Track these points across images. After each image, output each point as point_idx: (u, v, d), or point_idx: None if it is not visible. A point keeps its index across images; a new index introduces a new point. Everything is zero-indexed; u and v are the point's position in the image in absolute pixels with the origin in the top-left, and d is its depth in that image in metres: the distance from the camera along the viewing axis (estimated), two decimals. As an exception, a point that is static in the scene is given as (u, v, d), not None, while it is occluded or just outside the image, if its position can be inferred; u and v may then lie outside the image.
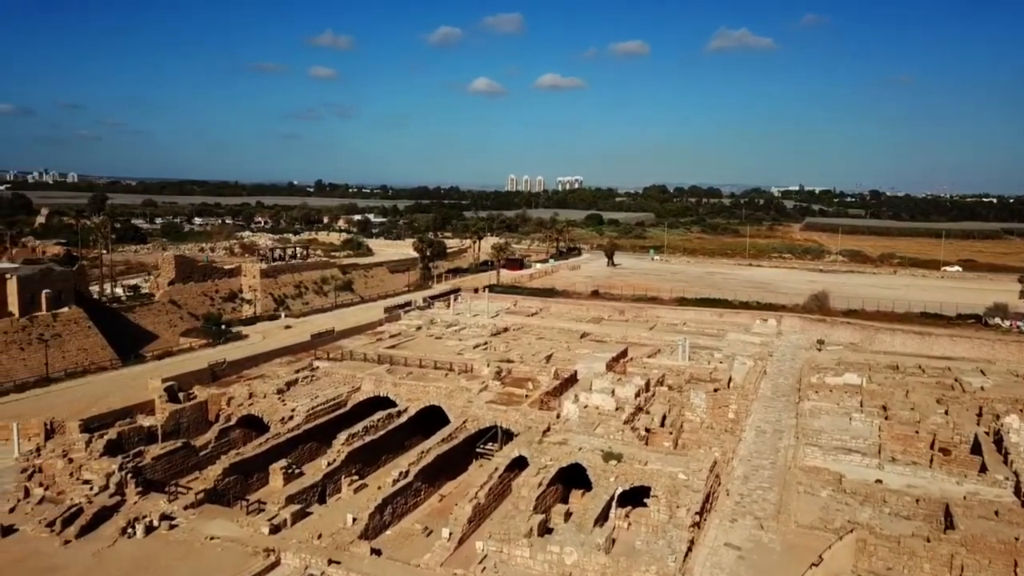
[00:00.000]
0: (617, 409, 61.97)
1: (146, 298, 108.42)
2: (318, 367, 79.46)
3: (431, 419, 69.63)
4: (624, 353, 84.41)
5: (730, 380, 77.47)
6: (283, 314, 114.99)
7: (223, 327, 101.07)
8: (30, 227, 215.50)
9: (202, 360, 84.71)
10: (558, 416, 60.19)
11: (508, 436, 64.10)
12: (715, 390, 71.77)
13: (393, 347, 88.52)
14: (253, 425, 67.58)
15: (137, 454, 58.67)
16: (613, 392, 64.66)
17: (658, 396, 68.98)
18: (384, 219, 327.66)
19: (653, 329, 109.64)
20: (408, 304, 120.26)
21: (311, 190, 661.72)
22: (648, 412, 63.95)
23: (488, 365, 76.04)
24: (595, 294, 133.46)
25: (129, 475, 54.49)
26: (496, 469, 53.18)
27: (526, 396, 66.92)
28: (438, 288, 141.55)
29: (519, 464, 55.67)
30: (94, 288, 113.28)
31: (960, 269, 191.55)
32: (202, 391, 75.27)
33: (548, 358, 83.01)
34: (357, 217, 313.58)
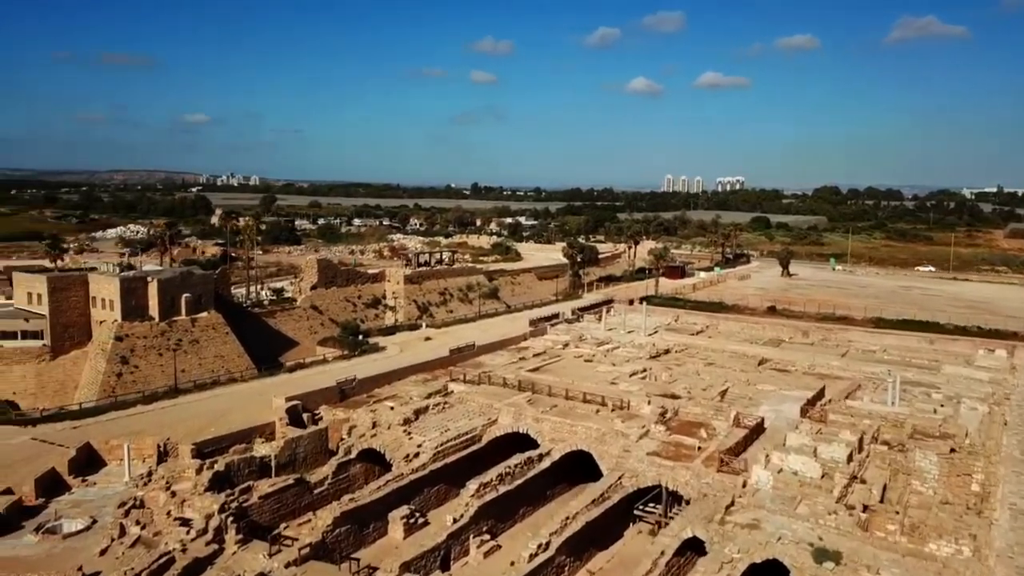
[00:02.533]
0: (823, 476, 47.14)
1: (288, 302, 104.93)
2: (452, 391, 70.02)
3: (577, 462, 58.04)
4: (821, 393, 68.27)
5: (966, 434, 59.63)
6: (424, 323, 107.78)
7: (360, 337, 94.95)
8: (207, 227, 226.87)
9: (333, 374, 78.14)
10: (744, 485, 46.31)
11: (675, 498, 51.06)
12: (951, 451, 54.72)
13: (536, 369, 77.58)
14: (375, 459, 59.01)
15: (244, 491, 51.55)
16: (815, 452, 49.74)
17: (873, 457, 53.03)
18: (535, 222, 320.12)
19: (846, 356, 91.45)
20: (555, 316, 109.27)
21: (467, 193, 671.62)
22: (864, 481, 48.45)
23: (649, 402, 63.10)
24: (771, 310, 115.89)
25: (231, 519, 47.11)
26: (662, 554, 40.47)
27: (698, 448, 53.44)
28: (589, 298, 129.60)
29: (693, 546, 42.62)
30: (240, 291, 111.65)
31: None
32: (327, 413, 68.15)
33: (723, 394, 68.67)
34: (508, 220, 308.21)
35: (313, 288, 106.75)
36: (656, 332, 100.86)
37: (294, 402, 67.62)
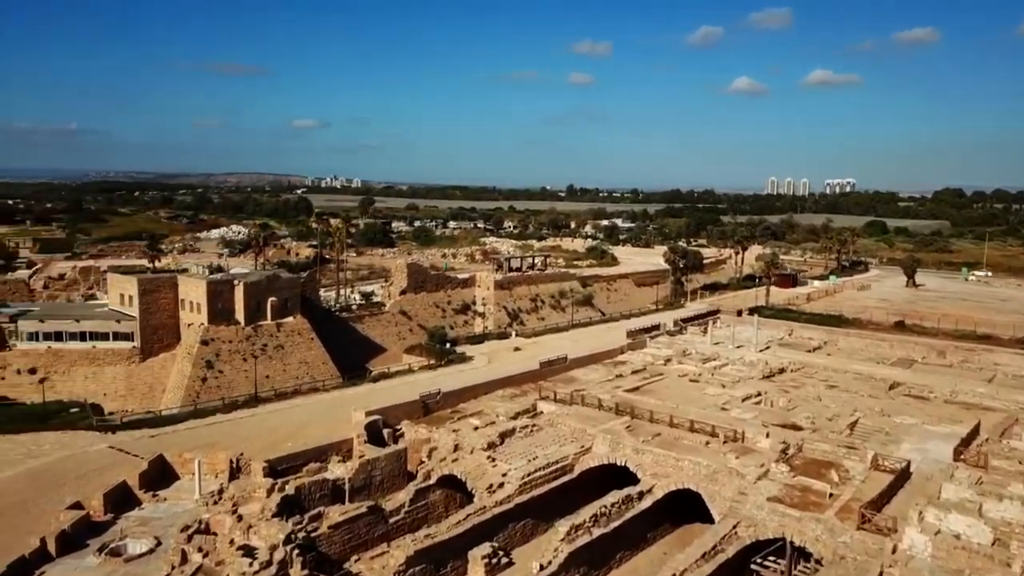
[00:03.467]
0: (995, 543, 38.17)
1: (377, 307, 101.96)
2: (541, 412, 64.01)
3: (681, 498, 50.91)
4: (976, 431, 58.06)
5: None
6: (514, 332, 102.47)
7: (447, 345, 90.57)
8: (304, 228, 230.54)
9: (418, 386, 73.65)
10: (894, 550, 37.98)
11: (802, 555, 43.19)
12: None
13: (635, 389, 70.46)
14: (456, 486, 53.77)
15: (314, 518, 47.32)
16: (981, 510, 40.70)
17: (1053, 517, 43.15)
18: (632, 224, 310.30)
19: (993, 382, 79.51)
20: (656, 328, 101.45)
21: (562, 195, 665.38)
22: (1047, 551, 38.98)
23: (767, 434, 55.03)
24: (899, 326, 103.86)
25: (296, 551, 42.87)
26: (793, 635, 32.93)
27: (829, 496, 45.26)
28: (692, 308, 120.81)
29: (829, 625, 34.88)
30: (331, 294, 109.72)
31: None
32: (409, 429, 63.55)
33: (852, 426, 59.58)
34: (604, 222, 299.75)
35: (402, 293, 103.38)
36: (768, 348, 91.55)
37: (374, 417, 63.37)
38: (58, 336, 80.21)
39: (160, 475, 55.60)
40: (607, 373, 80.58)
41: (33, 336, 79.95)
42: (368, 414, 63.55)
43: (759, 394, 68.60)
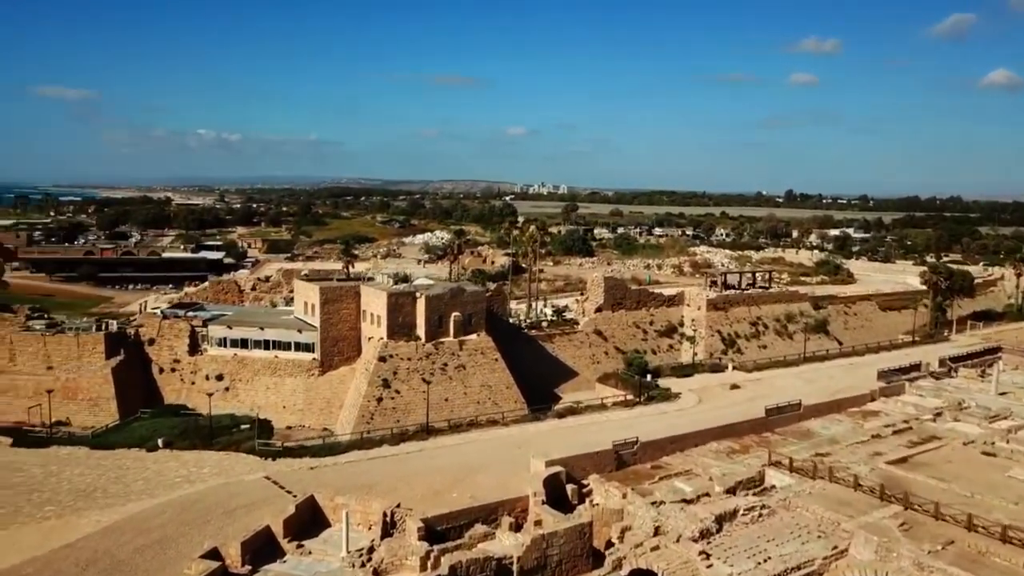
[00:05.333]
0: None
1: (569, 325, 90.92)
2: (772, 485, 48.81)
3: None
4: None
5: None
6: (730, 363, 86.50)
7: (648, 376, 77.20)
8: (504, 235, 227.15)
9: (611, 429, 61.48)
10: None
11: None
12: None
13: (903, 461, 52.40)
14: (654, 583, 40.63)
15: (469, 610, 36.83)
16: None
17: None
18: (866, 235, 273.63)
19: None
20: (915, 367, 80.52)
21: (780, 200, 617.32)
22: None
23: None
24: None
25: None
26: None
27: None
28: (961, 342, 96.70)
29: None
30: (521, 307, 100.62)
31: None
32: (598, 488, 51.63)
33: None
34: (833, 232, 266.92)
35: (598, 310, 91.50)
36: (1086, 407, 67.81)
37: (556, 469, 52.17)
38: (244, 343, 78.09)
39: (309, 519, 48.25)
40: (855, 428, 62.95)
41: (221, 342, 78.51)
42: (549, 464, 52.59)
43: (1100, 486, 47.85)
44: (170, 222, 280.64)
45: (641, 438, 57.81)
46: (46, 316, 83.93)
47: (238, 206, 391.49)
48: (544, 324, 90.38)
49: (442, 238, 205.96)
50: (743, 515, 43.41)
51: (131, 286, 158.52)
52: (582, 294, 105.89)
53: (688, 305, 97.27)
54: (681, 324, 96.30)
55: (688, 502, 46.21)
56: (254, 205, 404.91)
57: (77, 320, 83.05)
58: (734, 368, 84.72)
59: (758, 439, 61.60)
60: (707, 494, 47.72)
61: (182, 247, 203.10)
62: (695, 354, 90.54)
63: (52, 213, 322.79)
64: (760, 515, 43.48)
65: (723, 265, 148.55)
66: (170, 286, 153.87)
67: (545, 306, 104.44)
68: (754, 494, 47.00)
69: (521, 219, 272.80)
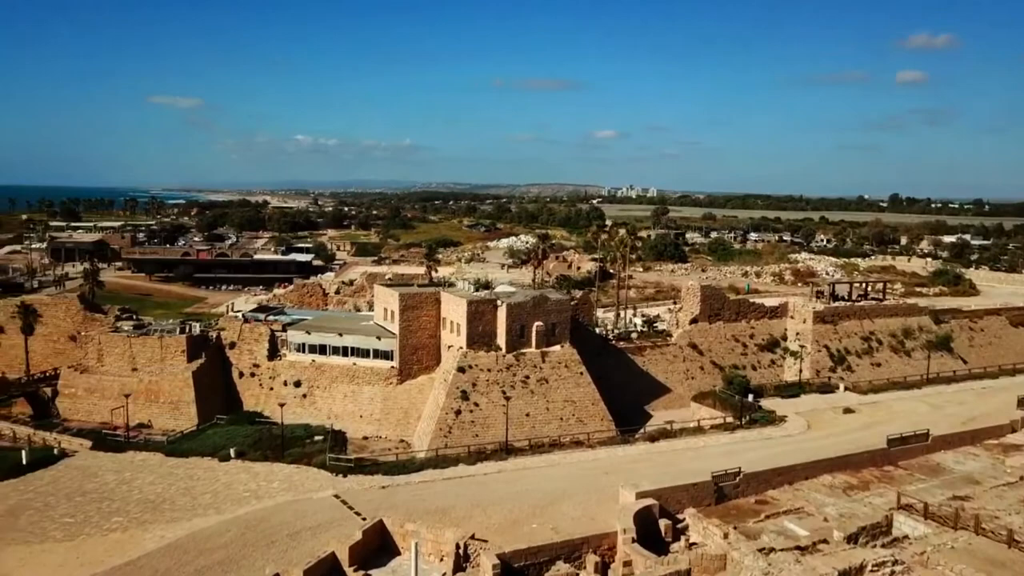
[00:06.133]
0: None
1: (661, 336, 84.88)
2: (903, 534, 41.84)
3: None
4: None
5: None
6: (841, 384, 78.46)
7: (749, 396, 70.44)
8: (591, 239, 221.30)
9: (709, 456, 55.68)
10: None
11: None
12: None
13: (1066, 511, 44.24)
14: (765, 649, 34.77)
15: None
16: None
17: None
18: (986, 241, 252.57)
19: None
20: (1063, 394, 70.41)
21: (884, 205, 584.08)
22: None
23: None
24: None
25: None
26: None
27: None
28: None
29: None
30: (609, 316, 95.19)
31: None
32: (695, 525, 46.05)
33: None
34: (948, 239, 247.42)
35: (693, 321, 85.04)
36: None
37: (648, 501, 46.87)
38: (322, 349, 76.13)
39: (378, 546, 44.71)
40: (995, 465, 54.75)
41: (300, 347, 76.83)
42: (641, 495, 47.35)
43: None
44: (265, 224, 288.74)
45: (744, 468, 51.68)
46: (134, 317, 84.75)
47: (330, 209, 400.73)
48: (634, 335, 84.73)
49: (526, 242, 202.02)
50: (872, 572, 36.88)
51: (224, 287, 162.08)
52: (675, 303, 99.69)
53: (792, 317, 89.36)
54: (784, 338, 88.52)
55: (802, 549, 39.89)
56: (345, 208, 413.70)
57: (163, 322, 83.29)
58: (846, 389, 76.67)
59: (879, 474, 54.33)
60: (824, 540, 41.25)
61: (273, 249, 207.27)
62: (800, 371, 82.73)
63: (157, 215, 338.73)
64: (893, 573, 36.83)
65: (828, 274, 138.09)
66: (260, 288, 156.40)
67: (635, 315, 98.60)
68: (882, 545, 40.24)
69: (609, 222, 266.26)
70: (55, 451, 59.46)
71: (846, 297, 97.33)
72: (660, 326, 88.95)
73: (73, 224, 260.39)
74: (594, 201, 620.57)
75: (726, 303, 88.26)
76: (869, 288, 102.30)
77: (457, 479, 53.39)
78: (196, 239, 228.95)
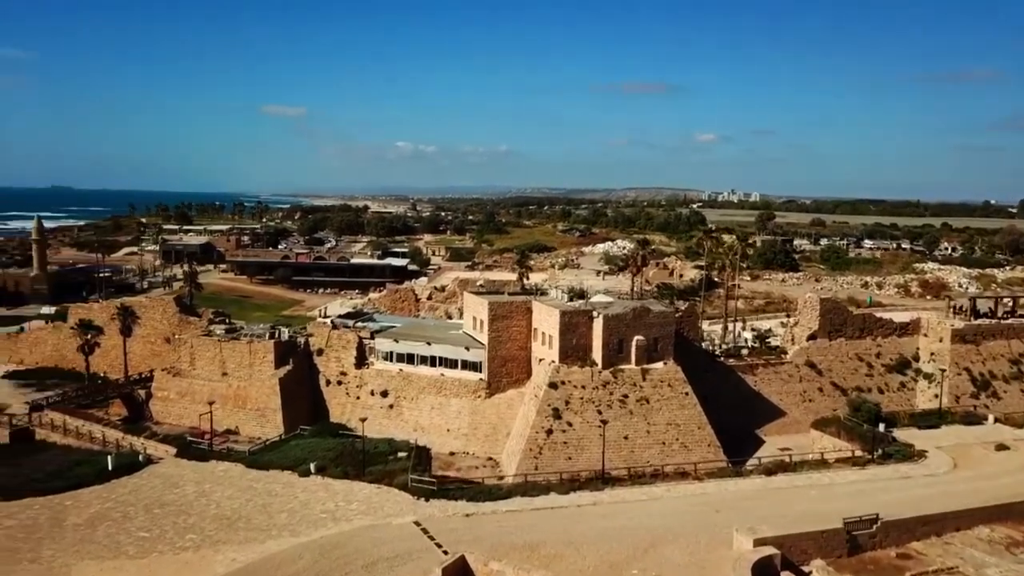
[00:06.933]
0: None
1: (774, 354, 77.13)
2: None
3: None
4: None
5: None
6: (990, 414, 68.55)
7: (880, 426, 62.04)
8: (693, 245, 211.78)
9: (837, 496, 48.55)
10: None
11: None
12: None
13: None
14: None
15: None
16: None
17: None
18: None
19: None
20: None
21: (1013, 211, 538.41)
22: None
23: None
24: None
25: None
26: None
27: None
28: None
29: None
30: (715, 329, 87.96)
31: None
32: (823, 582, 39.18)
33: None
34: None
35: (811, 337, 76.93)
36: None
37: (768, 550, 40.50)
38: (409, 359, 73.00)
39: (459, 585, 40.41)
40: None
41: (387, 356, 74.00)
42: (758, 542, 40.97)
43: None
44: (364, 228, 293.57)
45: (882, 514, 44.31)
46: (227, 321, 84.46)
47: (427, 214, 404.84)
48: (744, 351, 77.41)
49: (623, 247, 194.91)
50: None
51: (321, 290, 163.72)
52: (788, 315, 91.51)
53: (926, 335, 79.56)
54: (916, 358, 78.90)
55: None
56: (442, 213, 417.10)
57: (253, 327, 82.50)
58: (996, 420, 66.85)
59: (1049, 527, 45.60)
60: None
61: (369, 253, 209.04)
62: (938, 396, 73.11)
63: (262, 219, 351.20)
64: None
65: (962, 286, 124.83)
66: (356, 291, 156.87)
67: (743, 329, 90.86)
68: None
69: (711, 227, 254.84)
70: (140, 457, 58.61)
71: (989, 313, 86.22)
72: (773, 341, 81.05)
73: (184, 227, 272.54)
74: (694, 206, 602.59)
75: (848, 318, 79.50)
76: (1017, 305, 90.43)
77: (548, 510, 48.47)
78: (296, 242, 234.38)
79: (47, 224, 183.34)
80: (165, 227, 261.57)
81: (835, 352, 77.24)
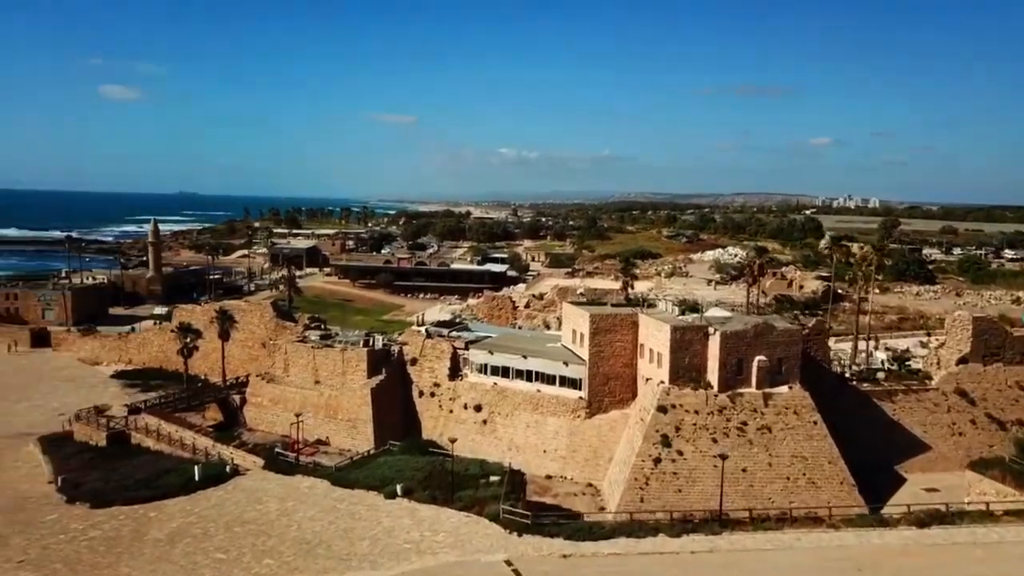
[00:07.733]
0: None
1: (915, 378, 67.69)
2: None
3: None
4: None
5: None
6: None
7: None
8: (812, 254, 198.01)
9: (1009, 563, 40.08)
10: None
11: None
12: None
13: None
14: None
15: None
16: None
17: None
18: None
19: None
20: None
21: None
22: None
23: None
24: None
25: None
26: None
27: None
28: None
29: None
30: (842, 347, 78.84)
31: None
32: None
33: None
34: None
35: (962, 361, 66.93)
36: None
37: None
38: (504, 372, 68.46)
39: (553, 642, 35.27)
40: None
41: (482, 368, 69.76)
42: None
43: None
44: (465, 234, 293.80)
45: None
46: (323, 327, 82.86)
47: (528, 220, 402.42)
48: (880, 375, 68.36)
49: (735, 255, 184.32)
50: None
51: (421, 295, 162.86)
52: (928, 334, 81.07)
53: (1104, 363, 67.75)
54: (1091, 389, 67.28)
55: None
56: (542, 219, 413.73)
57: (348, 333, 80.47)
58: None
59: None
60: None
61: (470, 259, 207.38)
62: (1121, 437, 61.76)
63: (368, 224, 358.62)
64: None
65: None
66: (456, 297, 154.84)
67: (876, 348, 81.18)
68: None
69: (827, 235, 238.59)
70: (227, 468, 56.86)
71: None
72: (913, 363, 71.45)
73: (293, 231, 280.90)
74: (807, 212, 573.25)
75: (1008, 340, 68.84)
76: None
77: (656, 555, 42.71)
78: (400, 247, 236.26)
79: (173, 228, 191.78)
80: (275, 231, 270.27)
81: (991, 379, 66.89)
